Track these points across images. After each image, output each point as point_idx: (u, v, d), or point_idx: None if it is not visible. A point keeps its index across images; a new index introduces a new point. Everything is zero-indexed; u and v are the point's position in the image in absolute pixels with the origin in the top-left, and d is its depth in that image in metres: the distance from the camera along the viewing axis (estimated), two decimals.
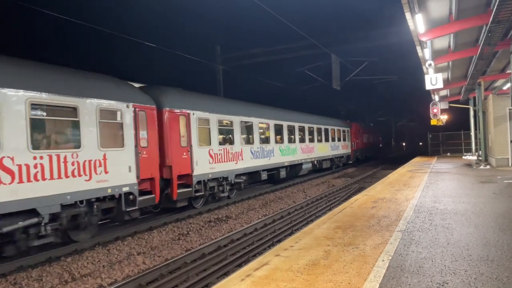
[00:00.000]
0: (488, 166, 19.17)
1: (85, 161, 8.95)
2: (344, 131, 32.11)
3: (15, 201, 7.43)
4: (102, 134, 9.49)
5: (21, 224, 7.65)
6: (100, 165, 9.34)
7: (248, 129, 16.96)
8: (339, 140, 30.49)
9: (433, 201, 9.79)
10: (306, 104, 40.85)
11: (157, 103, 11.60)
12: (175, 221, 11.92)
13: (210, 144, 13.95)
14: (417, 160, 29.58)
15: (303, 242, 6.41)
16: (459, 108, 27.61)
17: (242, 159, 16.00)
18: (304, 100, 43.77)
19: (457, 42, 13.67)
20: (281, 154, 19.71)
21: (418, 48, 13.16)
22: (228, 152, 15.07)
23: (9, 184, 7.34)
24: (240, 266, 7.72)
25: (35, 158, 7.84)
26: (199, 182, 13.25)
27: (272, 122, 19.06)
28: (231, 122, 15.51)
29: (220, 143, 14.67)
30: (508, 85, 16.56)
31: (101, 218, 10.01)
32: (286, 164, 20.29)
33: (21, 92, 7.72)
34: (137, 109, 10.64)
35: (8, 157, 7.36)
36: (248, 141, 16.85)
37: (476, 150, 26.19)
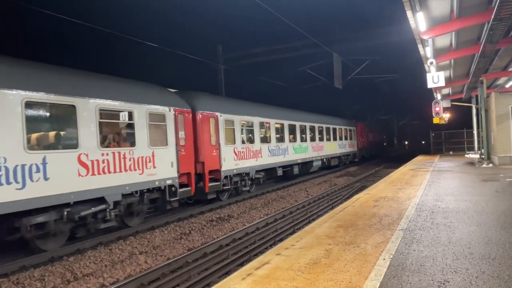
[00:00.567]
0: (490, 164, 19.10)
1: (138, 157, 10.51)
2: (350, 130, 33.23)
3: (89, 190, 9.00)
4: (151, 135, 11.04)
5: (93, 209, 9.22)
6: (149, 161, 10.89)
7: (266, 129, 18.41)
8: (346, 139, 31.61)
9: (435, 200, 9.77)
10: (308, 103, 40.85)
11: (191, 106, 13.18)
12: (177, 220, 11.94)
13: (234, 142, 15.47)
14: (419, 158, 29.50)
15: (304, 241, 6.41)
16: (462, 107, 27.51)
17: (261, 157, 17.44)
18: (305, 98, 43.79)
19: (458, 40, 13.61)
20: (294, 152, 21.16)
21: (420, 47, 13.11)
22: (250, 150, 16.51)
23: (85, 176, 8.90)
24: (241, 265, 7.72)
25: (102, 154, 9.40)
26: (225, 177, 14.73)
27: (286, 123, 20.54)
28: (252, 123, 17.04)
29: (243, 142, 16.09)
30: (511, 83, 16.51)
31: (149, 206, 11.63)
32: (299, 161, 21.79)
33: (92, 100, 9.28)
34: (176, 112, 12.21)
35: (84, 153, 8.92)
36: (266, 140, 18.23)
37: (479, 149, 26.10)
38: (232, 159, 15.13)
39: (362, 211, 8.80)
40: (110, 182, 9.51)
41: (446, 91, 25.39)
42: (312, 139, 24.12)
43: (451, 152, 34.51)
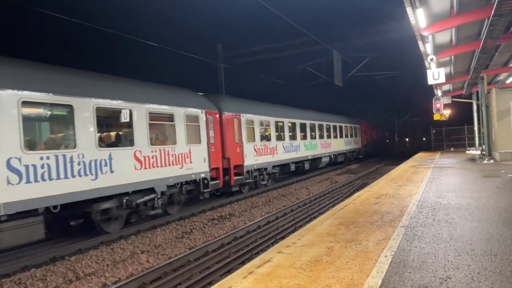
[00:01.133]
0: (491, 161, 19.08)
1: (179, 153, 12.05)
2: (355, 128, 34.65)
3: (143, 181, 10.51)
4: (188, 134, 12.59)
5: (146, 198, 10.69)
6: (187, 157, 12.45)
7: (280, 127, 19.82)
8: (351, 136, 33.08)
9: (436, 196, 9.76)
10: (309, 101, 40.76)
11: (218, 108, 14.70)
12: (178, 219, 11.95)
13: (254, 140, 16.95)
14: (420, 155, 29.48)
15: (306, 238, 6.40)
16: (462, 103, 27.46)
17: (277, 153, 19.02)
18: (305, 98, 43.76)
19: (459, 36, 13.57)
20: (305, 149, 22.69)
21: (420, 43, 13.08)
22: (267, 147, 18.03)
23: (139, 169, 10.40)
24: (243, 263, 7.72)
25: (152, 151, 10.91)
26: (247, 172, 16.13)
27: (298, 121, 22.05)
28: (268, 122, 18.52)
29: (261, 140, 17.51)
30: (511, 78, 16.47)
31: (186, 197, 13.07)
32: (309, 157, 23.23)
33: (143, 105, 10.83)
34: (207, 114, 13.81)
35: (138, 150, 10.44)
36: (280, 138, 19.73)
37: (480, 145, 26.05)
38: (252, 155, 16.54)
39: (363, 208, 8.79)
40: (158, 175, 11.06)
41: (446, 87, 25.35)
42: (321, 136, 25.52)
43: (452, 149, 34.46)
